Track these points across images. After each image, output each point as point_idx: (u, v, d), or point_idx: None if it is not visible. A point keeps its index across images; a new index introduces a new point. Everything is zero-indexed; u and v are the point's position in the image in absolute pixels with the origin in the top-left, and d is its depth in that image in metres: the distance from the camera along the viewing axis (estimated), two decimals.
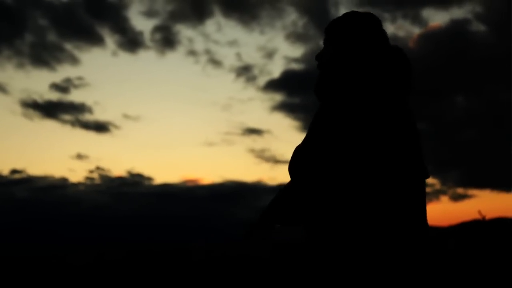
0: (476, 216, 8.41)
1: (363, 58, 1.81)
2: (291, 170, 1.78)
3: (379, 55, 1.82)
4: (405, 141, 1.74)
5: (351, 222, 1.66)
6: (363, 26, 1.89)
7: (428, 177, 1.82)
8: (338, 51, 1.88)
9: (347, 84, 1.77)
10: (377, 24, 1.92)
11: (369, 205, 1.66)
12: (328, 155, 1.69)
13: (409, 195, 1.71)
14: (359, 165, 1.67)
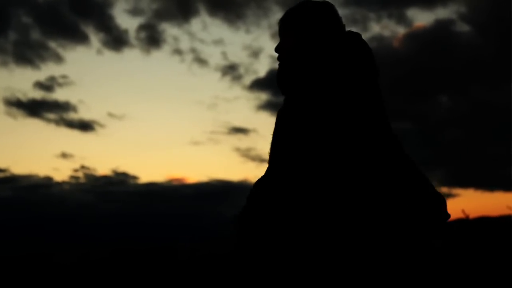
0: (460, 215, 8.47)
1: (321, 47, 1.82)
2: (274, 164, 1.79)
3: (337, 42, 1.83)
4: (376, 132, 1.73)
5: (323, 221, 1.66)
6: (318, 14, 1.90)
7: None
8: (296, 42, 1.89)
9: (308, 75, 1.78)
10: (332, 11, 1.93)
11: (341, 200, 1.66)
12: (296, 155, 1.69)
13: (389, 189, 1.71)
14: (330, 162, 1.67)
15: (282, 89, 1.89)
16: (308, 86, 1.77)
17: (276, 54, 1.96)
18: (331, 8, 1.93)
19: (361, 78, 1.77)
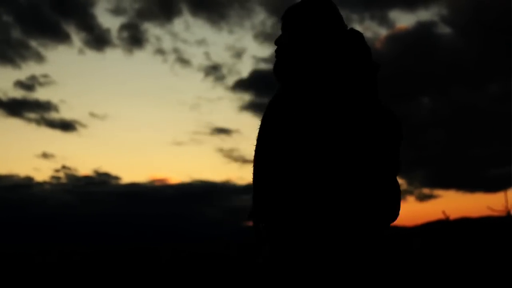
0: (441, 216, 8.55)
1: (320, 40, 1.87)
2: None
3: (336, 37, 1.87)
4: (370, 126, 1.75)
5: (315, 215, 1.68)
6: (319, 11, 1.94)
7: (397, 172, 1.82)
8: (296, 35, 1.92)
9: (305, 67, 1.82)
10: (333, 8, 1.97)
11: (332, 195, 1.68)
12: (288, 142, 1.71)
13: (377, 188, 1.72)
14: (321, 153, 1.69)
15: (278, 77, 1.92)
16: (304, 77, 1.80)
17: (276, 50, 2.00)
18: (331, 5, 1.97)
19: (357, 72, 1.80)
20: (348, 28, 1.95)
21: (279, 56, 1.93)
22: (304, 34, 1.90)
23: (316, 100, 1.73)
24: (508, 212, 6.60)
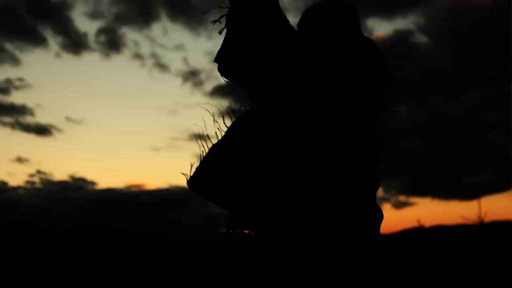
0: (415, 224, 8.63)
1: (334, 47, 1.82)
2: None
3: (352, 46, 1.84)
4: (365, 143, 1.74)
5: (294, 225, 1.67)
6: (338, 17, 1.88)
7: (377, 188, 1.82)
8: (313, 41, 1.87)
9: (315, 73, 1.77)
10: (352, 15, 1.92)
11: (312, 206, 1.67)
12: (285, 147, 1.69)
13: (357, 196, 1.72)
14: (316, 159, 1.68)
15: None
16: (310, 84, 1.76)
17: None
18: (352, 12, 1.92)
19: (363, 82, 1.78)
20: (364, 36, 1.92)
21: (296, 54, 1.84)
22: (320, 39, 1.85)
23: (312, 104, 1.71)
24: (481, 221, 6.69)
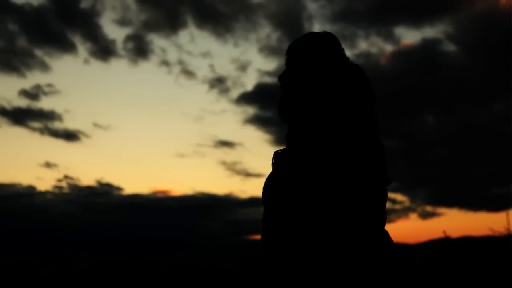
0: (441, 235, 8.56)
1: (323, 76, 1.91)
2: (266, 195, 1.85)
3: (338, 73, 1.92)
4: (368, 153, 1.80)
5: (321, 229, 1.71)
6: (322, 46, 1.98)
7: (389, 183, 1.87)
8: (298, 71, 1.97)
9: (309, 103, 1.87)
10: (336, 43, 2.01)
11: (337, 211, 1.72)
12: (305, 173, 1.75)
13: (370, 200, 1.77)
14: (332, 178, 1.73)
15: (284, 117, 1.96)
16: (310, 116, 1.85)
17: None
18: (334, 40, 2.01)
19: (357, 106, 1.85)
20: (349, 62, 1.99)
21: (284, 95, 1.97)
22: (308, 71, 1.94)
23: (323, 145, 1.78)
24: (510, 233, 6.60)
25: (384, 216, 1.83)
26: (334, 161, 1.74)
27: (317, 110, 1.84)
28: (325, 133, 1.79)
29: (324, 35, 2.02)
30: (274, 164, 1.91)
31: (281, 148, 1.94)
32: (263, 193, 1.88)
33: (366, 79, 1.94)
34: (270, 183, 1.87)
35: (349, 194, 1.72)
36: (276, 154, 1.92)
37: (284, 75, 2.02)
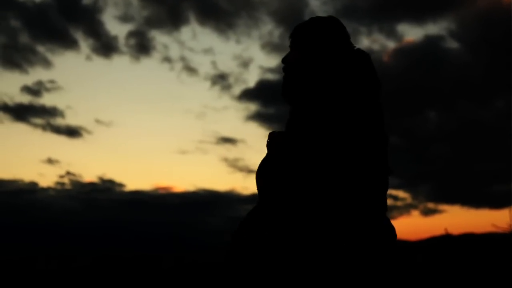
0: (442, 232, 8.55)
1: (327, 60, 1.89)
2: (261, 178, 1.83)
3: (342, 56, 1.91)
4: (371, 140, 1.78)
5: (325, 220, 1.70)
6: (326, 30, 1.97)
7: (391, 173, 1.86)
8: (303, 54, 1.95)
9: (313, 86, 1.85)
10: (340, 28, 2.00)
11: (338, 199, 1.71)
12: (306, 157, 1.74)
13: (371, 188, 1.76)
14: (335, 165, 1.72)
15: (287, 98, 1.96)
16: (313, 97, 1.83)
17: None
18: (339, 25, 2.01)
19: (362, 91, 1.83)
20: (355, 48, 1.98)
21: (287, 76, 1.96)
22: (312, 54, 1.93)
23: (326, 127, 1.76)
24: None
25: (385, 206, 1.82)
26: (335, 146, 1.72)
27: (320, 93, 1.82)
28: (327, 117, 1.76)
29: (329, 19, 2.02)
30: (269, 144, 1.88)
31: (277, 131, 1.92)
32: (257, 177, 1.86)
33: (371, 65, 1.93)
34: (265, 167, 1.84)
35: (349, 181, 1.70)
36: (272, 135, 1.90)
37: (288, 57, 2.02)
